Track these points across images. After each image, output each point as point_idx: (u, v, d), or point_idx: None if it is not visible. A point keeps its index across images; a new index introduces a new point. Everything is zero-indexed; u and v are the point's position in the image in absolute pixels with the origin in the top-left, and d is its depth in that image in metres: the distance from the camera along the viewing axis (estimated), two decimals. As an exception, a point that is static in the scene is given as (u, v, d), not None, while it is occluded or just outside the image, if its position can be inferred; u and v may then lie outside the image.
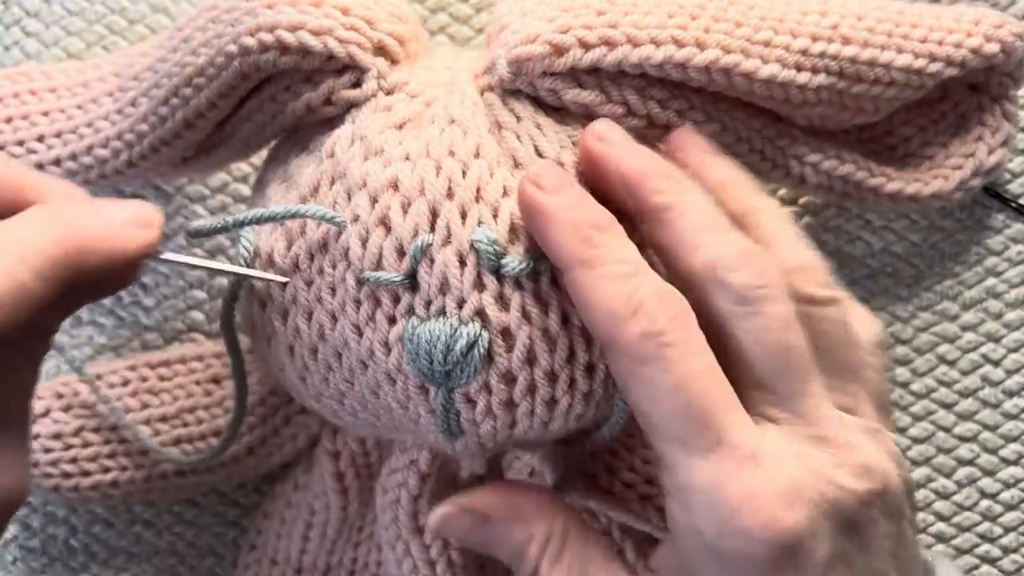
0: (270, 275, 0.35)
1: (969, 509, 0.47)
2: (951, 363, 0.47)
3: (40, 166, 0.40)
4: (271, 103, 0.38)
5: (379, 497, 0.41)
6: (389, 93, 0.36)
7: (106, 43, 0.49)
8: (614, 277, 0.31)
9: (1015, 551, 0.46)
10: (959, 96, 0.42)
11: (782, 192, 0.47)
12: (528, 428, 0.35)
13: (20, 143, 0.40)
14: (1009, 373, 0.47)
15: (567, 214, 0.32)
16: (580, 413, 0.35)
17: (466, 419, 0.34)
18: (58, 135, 0.40)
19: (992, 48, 0.39)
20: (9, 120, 0.40)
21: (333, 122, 0.37)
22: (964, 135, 0.42)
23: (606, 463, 0.41)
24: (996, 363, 0.47)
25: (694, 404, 0.30)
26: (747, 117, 0.38)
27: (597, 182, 0.34)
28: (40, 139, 0.40)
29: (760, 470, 0.30)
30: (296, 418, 0.44)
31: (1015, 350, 0.47)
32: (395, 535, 0.41)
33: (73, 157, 0.40)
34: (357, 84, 0.36)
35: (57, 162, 0.40)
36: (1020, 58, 0.40)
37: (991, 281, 0.47)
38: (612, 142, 0.34)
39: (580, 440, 0.39)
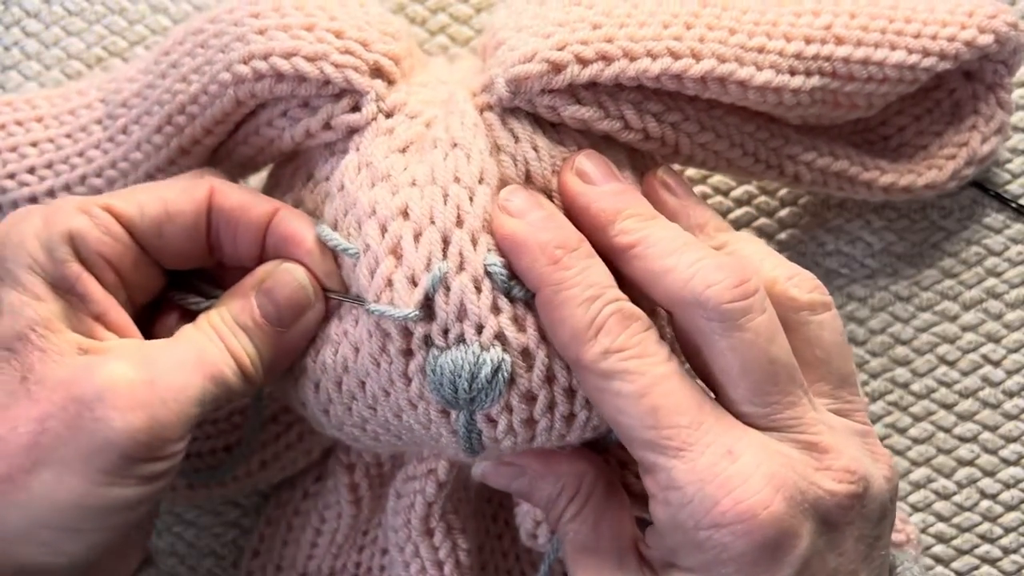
0: (403, 311, 0.34)
1: (969, 510, 0.47)
2: (951, 363, 0.47)
3: (34, 198, 0.39)
4: (268, 128, 0.37)
5: (392, 501, 0.42)
6: (389, 115, 0.36)
7: (106, 43, 0.48)
8: (579, 301, 0.32)
9: (1015, 552, 0.47)
10: (954, 84, 0.42)
11: (782, 192, 0.47)
12: (546, 442, 0.35)
13: (11, 176, 0.39)
14: (1009, 374, 0.47)
15: (534, 237, 0.33)
16: (596, 425, 0.35)
17: (488, 437, 0.35)
18: (49, 166, 0.39)
19: (986, 39, 0.39)
20: (-3, 153, 0.40)
21: (333, 145, 0.36)
22: (958, 123, 0.42)
23: (618, 456, 0.41)
24: (996, 363, 0.47)
25: (660, 408, 0.31)
26: (741, 122, 0.38)
27: (574, 217, 0.35)
28: (31, 171, 0.39)
29: (736, 465, 0.31)
30: (310, 436, 0.44)
31: (1015, 350, 0.47)
32: (405, 537, 0.41)
33: (67, 188, 0.39)
34: (356, 107, 0.36)
35: (51, 193, 0.39)
36: (1014, 46, 0.40)
37: (991, 281, 0.47)
38: (590, 179, 0.35)
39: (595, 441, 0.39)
